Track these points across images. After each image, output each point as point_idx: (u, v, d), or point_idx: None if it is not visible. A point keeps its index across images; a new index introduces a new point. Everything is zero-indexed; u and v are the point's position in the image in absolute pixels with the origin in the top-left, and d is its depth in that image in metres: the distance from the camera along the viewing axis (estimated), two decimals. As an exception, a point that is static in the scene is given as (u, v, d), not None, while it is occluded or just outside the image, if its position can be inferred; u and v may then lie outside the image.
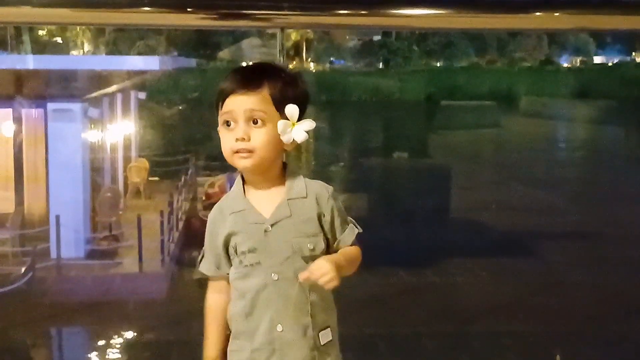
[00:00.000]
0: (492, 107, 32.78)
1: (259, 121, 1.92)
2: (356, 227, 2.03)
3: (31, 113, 14.45)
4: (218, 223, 2.01)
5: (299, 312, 1.94)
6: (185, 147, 20.95)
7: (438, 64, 46.46)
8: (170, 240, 14.47)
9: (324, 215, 1.97)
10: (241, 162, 1.94)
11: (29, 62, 14.99)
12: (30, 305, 11.97)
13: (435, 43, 45.26)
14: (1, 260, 13.16)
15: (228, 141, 1.94)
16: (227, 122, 1.94)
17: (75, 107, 13.90)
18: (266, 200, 1.97)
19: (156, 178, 18.45)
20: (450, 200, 18.49)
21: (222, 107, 1.95)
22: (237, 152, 1.93)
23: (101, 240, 14.29)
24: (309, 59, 41.70)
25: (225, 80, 1.96)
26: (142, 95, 19.83)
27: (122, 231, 14.58)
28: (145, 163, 18.25)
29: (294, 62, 38.31)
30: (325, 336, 1.99)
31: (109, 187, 16.00)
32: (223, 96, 1.94)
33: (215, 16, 2.14)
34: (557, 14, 1.98)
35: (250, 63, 2.13)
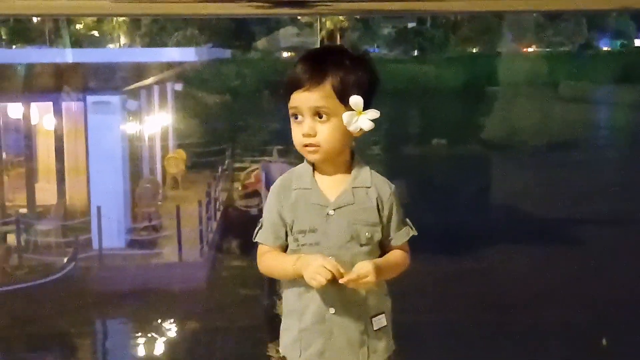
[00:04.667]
0: (531, 92, 32.47)
1: (324, 115, 1.96)
2: (412, 230, 2.07)
3: (71, 106, 14.68)
4: (281, 195, 2.03)
5: (354, 296, 1.98)
6: (222, 138, 21.08)
7: (474, 50, 46.01)
8: (209, 230, 14.64)
9: (383, 209, 2.01)
10: (310, 156, 2.01)
11: (68, 55, 15.21)
12: (73, 294, 12.21)
13: (471, 30, 44.87)
14: (45, 251, 13.42)
15: (297, 134, 2.01)
16: (295, 115, 2.00)
17: (114, 99, 14.11)
18: (332, 185, 2.01)
19: (193, 169, 18.64)
20: (491, 186, 18.45)
21: (289, 101, 2.00)
22: (305, 145, 2.00)
23: (141, 231, 14.51)
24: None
25: (291, 72, 2.01)
26: (179, 86, 20.02)
27: (162, 221, 14.77)
28: (182, 154, 18.43)
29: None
30: (379, 322, 2.03)
31: (148, 178, 16.23)
32: (289, 90, 2.00)
33: (256, 4, 2.16)
34: None
35: (316, 48, 2.17)
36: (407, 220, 2.08)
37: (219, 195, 16.57)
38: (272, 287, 12.50)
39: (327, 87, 1.96)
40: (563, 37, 48.50)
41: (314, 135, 1.98)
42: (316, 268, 1.90)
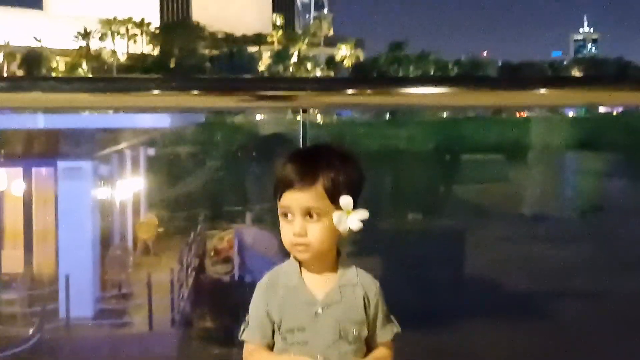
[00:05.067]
0: (500, 160, 32.76)
1: (315, 215, 1.99)
2: (396, 327, 2.08)
3: (41, 171, 14.48)
4: (269, 292, 2.04)
5: None
6: (195, 203, 20.94)
7: (444, 115, 46.63)
8: (180, 298, 14.36)
9: (369, 307, 2.03)
10: (300, 255, 2.01)
11: (39, 121, 15.03)
12: (39, 366, 11.85)
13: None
14: (9, 321, 13.06)
15: (287, 233, 2.01)
16: (285, 214, 2.01)
17: (86, 165, 13.94)
18: (319, 283, 2.03)
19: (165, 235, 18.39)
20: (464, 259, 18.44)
21: (279, 200, 2.02)
22: (295, 244, 2.00)
23: (111, 299, 14.21)
24: (316, 111, 42.04)
25: (282, 171, 2.03)
26: (152, 151, 19.91)
27: (132, 289, 14.48)
28: (154, 220, 18.23)
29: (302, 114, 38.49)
30: None
31: (118, 244, 15.96)
32: (280, 190, 2.02)
33: (240, 98, 2.21)
34: (561, 91, 2.13)
35: (306, 147, 2.18)
36: (392, 317, 2.09)
37: (192, 262, 16.31)
38: None
39: (319, 188, 1.99)
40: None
41: (305, 235, 1.99)
42: None
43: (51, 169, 14.23)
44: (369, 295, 2.04)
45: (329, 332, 1.98)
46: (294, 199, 1.99)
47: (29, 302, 13.43)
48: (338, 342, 1.99)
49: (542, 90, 2.17)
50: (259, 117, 35.93)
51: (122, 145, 16.63)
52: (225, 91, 2.20)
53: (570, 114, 51.44)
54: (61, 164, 13.92)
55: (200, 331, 14.21)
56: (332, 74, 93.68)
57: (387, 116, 43.34)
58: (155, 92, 2.13)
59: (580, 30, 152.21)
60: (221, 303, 15.11)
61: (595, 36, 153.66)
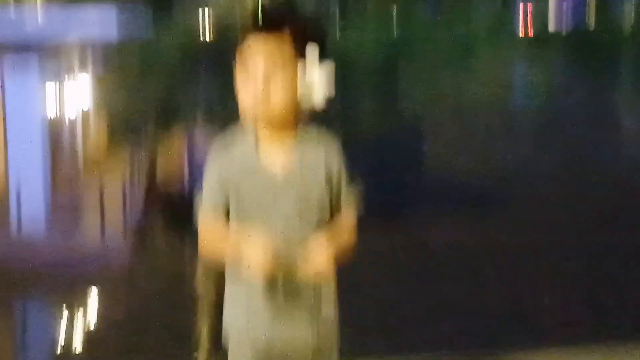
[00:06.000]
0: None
1: (279, 64, 1.89)
2: (357, 197, 2.05)
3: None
4: (222, 161, 1.97)
5: (305, 294, 2.05)
6: (145, 106, 20.64)
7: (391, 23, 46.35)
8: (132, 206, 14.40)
9: (331, 171, 2.00)
10: (262, 115, 1.92)
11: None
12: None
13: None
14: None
15: (247, 88, 1.91)
16: (245, 68, 1.93)
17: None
18: (277, 152, 1.96)
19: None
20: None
21: (239, 49, 1.93)
22: (256, 100, 1.90)
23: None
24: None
25: (246, 19, 1.94)
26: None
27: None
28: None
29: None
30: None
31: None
32: (241, 37, 1.94)
33: None
34: None
35: (267, 3, 2.13)
36: (350, 174, 2.09)
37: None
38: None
39: (286, 32, 1.90)
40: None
41: (269, 86, 1.88)
42: (255, 256, 1.88)
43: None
44: (329, 154, 1.98)
45: (288, 211, 1.93)
46: (258, 44, 1.86)
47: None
48: (297, 219, 1.95)
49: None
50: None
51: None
52: None
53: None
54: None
55: (152, 242, 14.23)
56: None
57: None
58: None
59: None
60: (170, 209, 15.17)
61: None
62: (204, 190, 1.99)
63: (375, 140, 17.99)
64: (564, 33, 41.08)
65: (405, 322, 9.39)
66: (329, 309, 2.01)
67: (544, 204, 14.26)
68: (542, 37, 39.69)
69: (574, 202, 14.25)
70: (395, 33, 34.13)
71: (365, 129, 19.10)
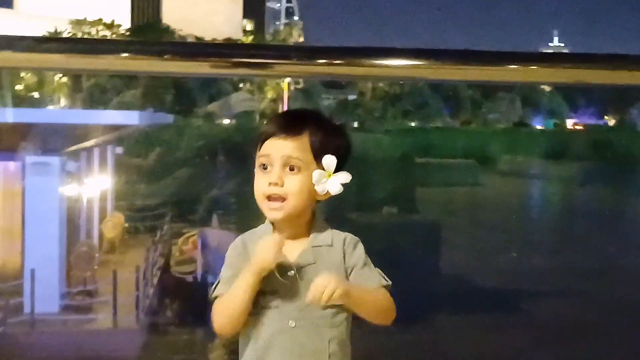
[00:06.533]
0: (469, 166, 33.14)
1: (295, 168, 1.89)
2: (384, 279, 1.95)
3: (9, 166, 14.43)
4: (240, 256, 1.95)
5: (316, 359, 1.88)
6: (161, 202, 20.89)
7: (413, 124, 46.83)
8: (146, 296, 14.39)
9: (346, 263, 1.92)
10: (271, 214, 1.91)
11: (7, 115, 14.99)
12: (2, 360, 11.80)
13: (410, 103, 45.77)
14: (-28, 315, 12.97)
15: (261, 184, 1.90)
16: (264, 165, 1.91)
17: (53, 160, 13.89)
18: (292, 246, 1.92)
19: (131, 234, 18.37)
20: (435, 256, 18.63)
21: (260, 149, 1.92)
22: (268, 197, 1.90)
23: (76, 295, 14.19)
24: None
25: (267, 123, 1.95)
26: (120, 149, 19.87)
27: (97, 286, 14.47)
28: (120, 218, 18.21)
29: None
30: None
31: (85, 241, 15.93)
32: (262, 138, 1.92)
33: (215, 63, 2.05)
34: (532, 68, 1.92)
35: (292, 109, 2.07)
36: (379, 270, 1.96)
37: (157, 261, 16.34)
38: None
39: (305, 139, 1.89)
40: (498, 115, 49.79)
41: (281, 186, 1.88)
42: (263, 248, 1.83)
43: (19, 164, 14.19)
44: (347, 252, 1.93)
45: (301, 296, 1.86)
46: (276, 146, 1.88)
47: (-7, 295, 13.37)
48: (311, 306, 1.86)
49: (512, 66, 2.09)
50: (226, 121, 35.85)
51: (91, 143, 16.61)
52: (199, 56, 2.05)
53: (538, 127, 51.90)
54: (29, 159, 13.89)
55: (164, 329, 14.25)
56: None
57: (355, 124, 43.42)
58: (128, 54, 1.98)
59: (550, 44, 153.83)
60: (184, 302, 15.18)
61: (565, 51, 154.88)
62: (221, 281, 1.95)
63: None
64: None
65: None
66: None
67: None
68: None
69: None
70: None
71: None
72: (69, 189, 15.08)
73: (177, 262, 17.00)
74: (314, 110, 2.04)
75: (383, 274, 1.96)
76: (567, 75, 2.02)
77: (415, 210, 25.12)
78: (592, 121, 50.94)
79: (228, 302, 1.89)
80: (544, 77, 2.02)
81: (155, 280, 15.58)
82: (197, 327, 14.35)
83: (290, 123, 1.91)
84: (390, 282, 1.94)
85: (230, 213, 21.72)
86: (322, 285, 1.80)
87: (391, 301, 1.93)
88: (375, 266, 1.96)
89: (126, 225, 18.24)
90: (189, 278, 16.20)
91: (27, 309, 13.03)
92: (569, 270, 18.47)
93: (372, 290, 1.91)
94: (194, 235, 17.52)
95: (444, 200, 27.76)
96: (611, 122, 52.65)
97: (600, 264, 18.70)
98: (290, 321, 1.88)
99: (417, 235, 20.99)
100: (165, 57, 1.93)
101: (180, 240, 17.82)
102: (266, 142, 1.90)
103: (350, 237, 1.95)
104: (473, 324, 14.29)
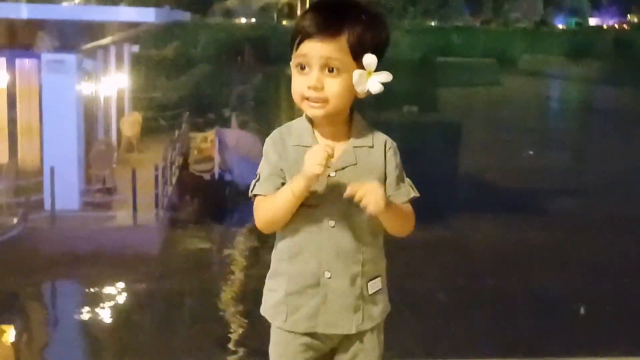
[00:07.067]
0: (488, 65, 32.80)
1: (335, 70, 1.84)
2: (413, 190, 1.96)
3: (25, 63, 14.29)
4: (279, 148, 1.92)
5: (351, 261, 1.90)
6: (179, 102, 20.77)
7: (432, 24, 46.04)
8: (164, 194, 14.44)
9: (385, 167, 1.92)
10: (311, 111, 1.88)
11: (22, 11, 14.72)
12: (23, 256, 11.87)
13: (430, 2, 44.85)
14: (-6, 210, 13.08)
15: (300, 86, 1.86)
16: (301, 65, 1.87)
17: (69, 58, 13.72)
18: (334, 146, 1.89)
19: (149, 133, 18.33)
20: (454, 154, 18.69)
21: (297, 49, 1.87)
22: (307, 99, 1.87)
23: (95, 193, 14.26)
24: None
25: (303, 19, 1.87)
26: (136, 48, 19.63)
27: (116, 184, 14.52)
28: (138, 117, 18.13)
29: (287, 21, 38.01)
30: (374, 286, 1.95)
31: (103, 139, 15.93)
32: (300, 38, 1.86)
33: None
34: None
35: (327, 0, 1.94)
36: (408, 180, 1.97)
37: (175, 159, 16.34)
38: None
39: (343, 40, 1.84)
40: (519, 14, 48.82)
41: (321, 89, 1.84)
42: (313, 156, 1.80)
43: (35, 61, 14.04)
44: (387, 155, 1.91)
45: (341, 196, 1.85)
46: (314, 48, 1.83)
47: (14, 192, 13.44)
48: (349, 207, 1.86)
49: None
50: (244, 20, 35.37)
51: (107, 40, 16.41)
52: None
53: (560, 26, 50.94)
54: (45, 56, 13.73)
55: (182, 225, 14.36)
56: None
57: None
58: None
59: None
60: (202, 199, 15.26)
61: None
62: (261, 175, 1.91)
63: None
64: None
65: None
66: (377, 287, 1.93)
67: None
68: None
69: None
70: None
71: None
72: (86, 87, 14.98)
73: (195, 161, 17.01)
74: (352, 2, 1.92)
75: (413, 185, 1.96)
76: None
77: (434, 109, 25.04)
78: (614, 20, 49.89)
79: (273, 205, 1.88)
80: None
81: (174, 179, 15.62)
82: (215, 223, 14.48)
83: (327, 23, 1.84)
84: (418, 194, 1.95)
85: (248, 112, 21.61)
86: (372, 189, 1.80)
87: (413, 215, 1.95)
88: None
89: (144, 124, 18.17)
90: (207, 176, 16.24)
91: (47, 205, 13.13)
92: (587, 169, 18.43)
93: (403, 206, 1.92)
94: (212, 134, 17.49)
95: (464, 99, 27.59)
96: (635, 20, 51.52)
97: (616, 162, 18.65)
98: (330, 221, 1.89)
99: (436, 133, 20.96)
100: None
101: (199, 139, 17.79)
102: (303, 42, 1.85)
103: (390, 141, 1.95)
104: (491, 221, 14.33)
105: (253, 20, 35.56)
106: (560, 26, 48.43)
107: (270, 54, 27.31)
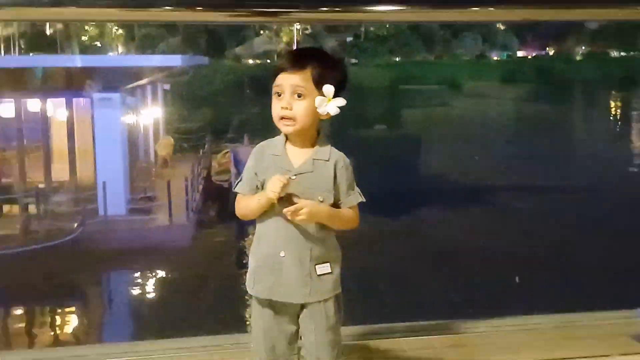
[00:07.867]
0: (441, 91, 32.80)
1: (301, 95, 1.91)
2: (360, 196, 1.98)
3: (80, 101, 14.23)
4: (258, 158, 1.97)
5: (301, 245, 1.92)
6: (202, 126, 20.70)
7: (397, 59, 45.98)
8: (193, 199, 14.39)
9: (336, 178, 1.94)
10: (285, 128, 1.94)
11: (77, 61, 14.69)
12: (82, 253, 11.85)
13: (394, 43, 44.74)
14: (59, 218, 13.02)
15: (277, 108, 1.93)
16: (278, 93, 1.93)
17: (115, 96, 13.71)
18: (298, 155, 1.95)
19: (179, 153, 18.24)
20: (417, 160, 18.68)
21: (274, 81, 1.94)
22: (282, 118, 1.92)
23: (139, 201, 14.16)
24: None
25: (280, 59, 1.96)
26: (167, 86, 19.55)
27: (155, 193, 14.45)
28: (170, 140, 18.06)
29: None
30: (322, 269, 1.94)
31: (143, 159, 15.83)
32: (276, 72, 1.94)
33: (236, 13, 2.10)
34: (490, 9, 1.98)
35: (300, 47, 2.08)
36: (357, 189, 1.99)
37: (201, 172, 16.30)
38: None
39: (307, 73, 1.90)
40: (464, 50, 48.99)
41: (291, 109, 1.90)
42: (271, 183, 1.87)
43: (88, 100, 13.99)
44: (338, 169, 1.94)
45: (298, 194, 1.89)
46: (286, 79, 1.90)
47: (74, 203, 13.37)
48: (302, 201, 1.89)
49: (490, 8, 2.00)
50: (251, 61, 35.26)
51: (144, 81, 16.33)
52: (226, 7, 2.11)
53: (495, 58, 50.86)
54: (96, 95, 13.70)
55: (207, 222, 14.31)
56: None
57: (353, 61, 42.66)
58: (167, 7, 2.06)
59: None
60: (222, 203, 15.22)
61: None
62: (243, 178, 1.98)
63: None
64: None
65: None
66: (325, 271, 1.91)
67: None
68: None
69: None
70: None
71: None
72: (129, 118, 14.88)
73: (216, 173, 16.95)
74: (316, 48, 2.03)
75: (360, 193, 1.98)
76: (517, 14, 1.98)
77: (399, 127, 24.99)
78: (536, 52, 49.92)
79: (247, 205, 1.94)
80: (499, 16, 1.96)
81: (200, 187, 15.56)
82: (231, 222, 14.43)
83: (295, 59, 1.92)
84: (364, 200, 1.97)
85: (256, 133, 21.53)
86: (297, 208, 1.85)
87: (356, 217, 1.97)
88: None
89: (175, 145, 18.09)
90: (225, 184, 16.21)
91: (100, 212, 13.04)
92: (521, 169, 18.41)
93: (344, 211, 1.95)
94: (228, 151, 17.43)
95: (423, 118, 27.52)
96: (551, 52, 51.60)
97: (545, 158, 18.76)
98: (286, 210, 1.90)
99: (402, 145, 20.87)
100: (198, 9, 2.06)
101: (219, 155, 17.73)
102: (279, 75, 1.92)
103: (343, 158, 1.96)
104: (452, 215, 14.23)
105: (258, 61, 35.55)
106: (495, 58, 48.55)
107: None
